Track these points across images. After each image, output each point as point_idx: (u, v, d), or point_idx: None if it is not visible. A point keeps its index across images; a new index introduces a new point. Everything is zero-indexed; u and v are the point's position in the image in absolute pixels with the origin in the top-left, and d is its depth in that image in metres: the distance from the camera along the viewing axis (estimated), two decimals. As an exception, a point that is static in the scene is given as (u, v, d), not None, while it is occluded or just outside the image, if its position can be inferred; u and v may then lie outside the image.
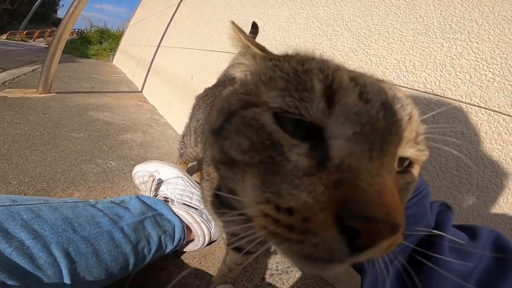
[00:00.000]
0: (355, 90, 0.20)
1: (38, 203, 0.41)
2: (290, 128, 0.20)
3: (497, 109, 0.53)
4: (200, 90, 0.99)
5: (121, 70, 4.47)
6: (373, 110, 0.19)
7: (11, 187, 0.80)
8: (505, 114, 0.52)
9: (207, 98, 0.86)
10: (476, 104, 0.55)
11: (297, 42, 0.97)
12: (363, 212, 0.15)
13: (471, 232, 0.30)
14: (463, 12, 0.63)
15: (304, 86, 0.20)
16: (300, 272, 0.72)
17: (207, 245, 0.71)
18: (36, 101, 1.68)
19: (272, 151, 0.20)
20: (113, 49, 7.28)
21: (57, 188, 0.83)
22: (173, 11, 2.69)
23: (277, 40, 1.07)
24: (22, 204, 0.39)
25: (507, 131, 0.52)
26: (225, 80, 1.00)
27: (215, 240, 0.74)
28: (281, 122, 0.20)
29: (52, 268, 0.38)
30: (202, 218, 0.65)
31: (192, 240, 0.66)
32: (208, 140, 0.28)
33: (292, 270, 0.72)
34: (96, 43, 8.79)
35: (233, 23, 0.32)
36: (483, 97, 0.55)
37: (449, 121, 0.57)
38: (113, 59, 6.26)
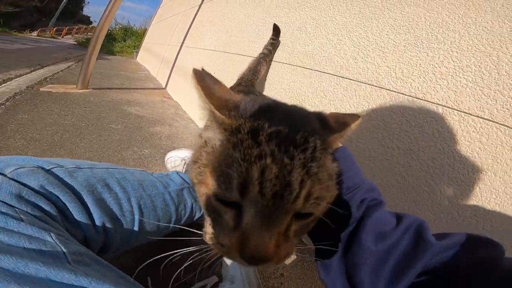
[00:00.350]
0: (256, 187, 0.27)
1: (122, 169, 0.57)
2: (224, 200, 0.30)
3: (467, 111, 0.64)
4: None
5: (145, 67, 4.74)
6: (266, 201, 0.28)
7: (69, 167, 1.00)
8: (473, 115, 0.63)
9: None
10: (450, 106, 0.66)
11: (307, 49, 1.10)
12: (245, 253, 0.28)
13: (399, 219, 0.38)
14: (449, 24, 0.72)
15: (229, 180, 0.28)
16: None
17: None
18: (77, 96, 1.91)
19: (217, 213, 0.31)
20: (136, 47, 7.60)
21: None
22: (195, 13, 2.86)
23: (288, 47, 1.20)
24: (114, 168, 0.55)
25: (474, 130, 0.62)
26: (240, 83, 1.14)
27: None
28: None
29: (130, 216, 0.51)
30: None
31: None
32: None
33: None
34: (121, 40, 9.14)
35: (193, 70, 0.34)
36: (456, 101, 0.66)
37: (428, 121, 0.68)
38: (136, 56, 6.58)
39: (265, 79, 1.33)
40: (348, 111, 0.85)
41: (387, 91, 0.77)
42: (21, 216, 0.34)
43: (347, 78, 0.89)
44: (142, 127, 1.54)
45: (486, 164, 0.59)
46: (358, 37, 0.92)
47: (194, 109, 2.04)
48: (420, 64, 0.74)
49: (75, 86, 2.14)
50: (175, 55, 2.91)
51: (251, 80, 1.14)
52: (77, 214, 0.42)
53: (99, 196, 0.47)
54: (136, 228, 0.52)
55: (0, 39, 7.44)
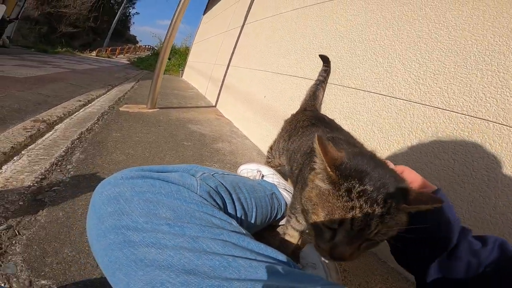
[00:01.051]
0: (348, 225, 0.42)
1: (239, 176, 0.77)
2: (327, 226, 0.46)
3: (518, 127, 0.72)
4: (272, 108, 1.30)
5: (193, 86, 5.18)
6: (352, 233, 0.42)
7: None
8: (525, 131, 0.71)
9: (292, 122, 1.10)
10: (500, 122, 0.74)
11: (358, 72, 1.23)
12: (333, 255, 0.45)
13: (482, 240, 0.46)
14: (494, 46, 0.80)
15: (333, 217, 0.43)
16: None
17: None
18: (150, 116, 2.25)
19: (319, 230, 0.47)
20: (181, 65, 8.14)
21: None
22: (237, 34, 3.13)
23: (340, 69, 1.35)
24: (236, 175, 0.75)
25: (527, 143, 0.71)
26: (305, 108, 1.19)
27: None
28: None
29: (251, 212, 0.68)
30: (294, 199, 0.98)
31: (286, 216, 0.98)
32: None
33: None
34: (167, 59, 9.84)
35: (317, 136, 0.46)
36: (505, 117, 0.74)
37: (480, 136, 0.77)
38: (182, 74, 7.15)
39: (321, 104, 1.47)
40: (403, 128, 0.97)
41: (441, 110, 0.88)
42: (213, 205, 0.52)
43: (400, 99, 1.01)
44: (207, 144, 1.79)
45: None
46: (408, 60, 1.03)
47: (246, 127, 2.26)
48: (471, 85, 0.83)
49: (145, 106, 2.51)
50: (223, 75, 3.20)
51: (314, 105, 1.22)
52: (230, 208, 0.60)
53: (238, 195, 0.65)
54: (253, 221, 0.70)
55: (68, 59, 8.72)
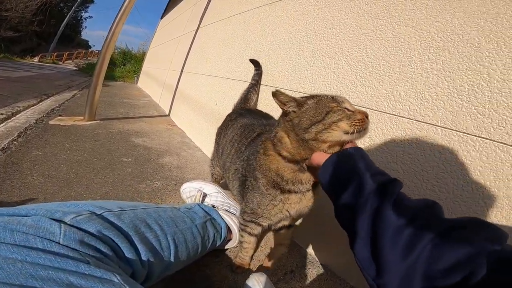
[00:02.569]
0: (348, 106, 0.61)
1: (156, 207, 0.65)
2: None
3: (465, 131, 0.67)
4: (224, 115, 1.18)
5: (147, 93, 4.86)
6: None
7: (88, 204, 1.04)
8: (472, 135, 0.66)
9: (222, 125, 1.09)
10: (449, 127, 0.70)
11: (306, 75, 1.15)
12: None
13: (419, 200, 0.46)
14: (438, 42, 0.75)
15: (341, 107, 0.60)
16: (316, 269, 0.89)
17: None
18: (86, 129, 1.98)
19: (344, 113, 0.58)
20: (136, 71, 7.71)
21: (121, 204, 1.07)
22: (192, 38, 2.96)
23: (288, 72, 1.26)
24: (150, 208, 0.62)
25: (474, 149, 0.65)
26: (236, 110, 1.20)
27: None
28: None
29: (168, 250, 0.58)
30: (238, 222, 0.85)
31: (230, 239, 0.86)
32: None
33: (309, 268, 0.89)
34: (120, 65, 9.22)
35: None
36: (454, 121, 0.69)
37: (428, 143, 0.72)
38: (137, 81, 6.73)
39: (256, 106, 1.40)
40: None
41: (388, 114, 0.81)
42: (87, 259, 0.39)
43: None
44: (151, 158, 1.59)
45: (488, 181, 0.62)
46: (355, 60, 0.96)
47: (198, 137, 2.09)
48: (416, 86, 0.78)
49: (82, 117, 2.21)
50: (177, 81, 3.00)
51: (243, 107, 1.24)
52: (128, 253, 0.49)
53: (143, 235, 0.54)
54: (172, 259, 0.60)
55: (3, 66, 7.67)
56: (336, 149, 0.58)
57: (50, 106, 2.62)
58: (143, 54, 8.62)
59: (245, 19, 1.88)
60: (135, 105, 3.42)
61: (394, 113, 0.80)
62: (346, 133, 0.54)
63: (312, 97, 0.61)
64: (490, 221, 0.61)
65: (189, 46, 2.97)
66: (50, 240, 0.39)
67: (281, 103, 0.61)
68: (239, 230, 0.80)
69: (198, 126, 2.11)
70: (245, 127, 0.87)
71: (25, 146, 1.50)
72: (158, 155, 1.67)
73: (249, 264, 0.84)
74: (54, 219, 0.42)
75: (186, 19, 3.87)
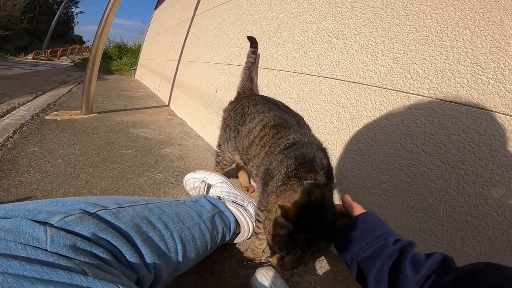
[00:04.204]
0: (292, 256, 0.58)
1: (159, 202, 0.58)
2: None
3: (493, 109, 0.62)
4: (226, 102, 1.12)
5: (145, 85, 4.76)
6: (294, 259, 0.58)
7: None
8: (500, 113, 0.61)
9: (236, 108, 1.01)
10: (474, 105, 0.64)
11: (311, 56, 1.08)
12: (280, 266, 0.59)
13: (427, 255, 0.48)
14: (457, 20, 0.70)
15: (285, 251, 0.58)
16: (331, 260, 0.85)
17: (248, 238, 0.85)
18: (83, 122, 1.92)
19: (273, 252, 0.61)
20: (133, 64, 7.61)
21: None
22: (188, 26, 2.86)
23: (292, 54, 1.19)
24: (152, 203, 0.55)
25: (503, 128, 0.60)
26: (244, 91, 1.15)
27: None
28: None
29: (174, 251, 0.52)
30: (246, 213, 0.80)
31: (239, 233, 0.81)
32: None
33: (323, 259, 0.85)
34: (116, 58, 9.11)
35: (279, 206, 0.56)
36: (479, 99, 0.63)
37: (452, 122, 0.66)
38: (134, 73, 6.61)
39: (257, 87, 1.33)
40: (365, 117, 0.84)
41: (405, 93, 0.75)
42: (83, 268, 0.33)
43: (359, 83, 0.88)
44: (152, 149, 1.53)
45: (522, 163, 0.57)
46: (364, 39, 0.90)
47: (199, 126, 2.04)
48: (436, 64, 0.72)
49: (79, 111, 2.15)
50: (174, 71, 2.92)
51: (251, 88, 1.19)
52: (130, 257, 0.42)
53: (145, 235, 0.48)
54: (180, 259, 0.54)
55: None
56: None
57: (46, 102, 2.55)
58: (139, 47, 8.49)
59: (242, 3, 1.79)
60: (134, 97, 3.35)
61: (411, 91, 0.74)
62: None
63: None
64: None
65: (186, 35, 2.87)
66: (35, 247, 0.33)
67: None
68: (256, 221, 0.76)
69: (199, 115, 2.05)
70: (278, 127, 0.79)
71: (21, 143, 1.44)
72: (159, 146, 1.61)
73: (261, 258, 0.80)
74: (37, 221, 0.36)
75: (180, 8, 3.75)
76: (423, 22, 0.77)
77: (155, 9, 7.11)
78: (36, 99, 2.75)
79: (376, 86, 0.82)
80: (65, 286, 0.30)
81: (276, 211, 0.59)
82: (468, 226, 0.61)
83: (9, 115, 2.08)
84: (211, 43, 2.14)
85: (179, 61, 2.89)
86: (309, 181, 0.61)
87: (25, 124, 1.79)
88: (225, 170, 1.18)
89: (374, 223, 0.56)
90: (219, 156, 1.11)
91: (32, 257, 0.31)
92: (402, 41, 0.80)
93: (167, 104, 2.99)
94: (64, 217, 0.38)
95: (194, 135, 1.95)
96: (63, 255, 0.33)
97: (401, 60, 0.79)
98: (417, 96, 0.73)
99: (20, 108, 2.32)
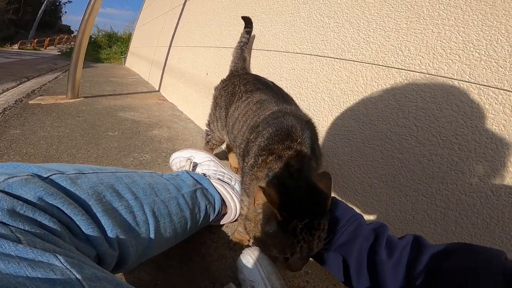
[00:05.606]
0: (298, 254, 0.48)
1: (131, 172, 0.52)
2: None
3: (485, 83, 0.61)
4: (216, 83, 1.09)
5: (135, 72, 4.65)
6: (301, 257, 0.49)
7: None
8: (493, 87, 0.60)
9: (227, 87, 0.98)
10: (467, 80, 0.63)
11: (303, 35, 1.06)
12: (291, 269, 0.49)
13: (401, 237, 0.48)
14: (449, 0, 0.68)
15: (284, 249, 0.48)
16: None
17: (235, 219, 0.81)
18: (68, 106, 1.85)
19: (275, 258, 0.52)
20: (123, 52, 7.45)
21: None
22: (179, 12, 2.79)
23: (284, 34, 1.16)
24: (122, 172, 0.50)
25: (496, 101, 0.59)
26: (237, 70, 1.12)
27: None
28: None
29: (145, 225, 0.46)
30: (233, 192, 0.77)
31: (225, 213, 0.78)
32: None
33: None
34: (106, 47, 8.94)
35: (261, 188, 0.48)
36: (472, 74, 0.62)
37: (445, 96, 0.65)
38: (125, 61, 6.46)
39: (249, 67, 1.30)
40: (356, 93, 0.82)
41: (396, 69, 0.74)
42: (18, 235, 0.28)
43: (350, 60, 0.86)
44: (140, 131, 1.49)
45: (514, 136, 0.56)
46: (356, 18, 0.88)
47: (190, 109, 2.00)
48: (427, 41, 0.70)
49: (64, 96, 2.08)
50: (165, 56, 2.85)
51: (244, 67, 1.15)
52: (86, 228, 0.37)
53: (108, 205, 0.42)
54: (152, 236, 0.48)
55: None
56: None
57: (31, 88, 2.45)
58: (129, 35, 8.29)
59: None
60: (123, 83, 3.25)
61: (403, 67, 0.73)
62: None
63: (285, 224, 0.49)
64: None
65: (177, 20, 2.79)
66: None
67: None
68: (241, 202, 0.70)
69: (190, 98, 2.01)
70: (262, 103, 0.75)
71: (2, 126, 1.38)
72: (147, 128, 1.57)
73: (249, 240, 0.77)
74: None
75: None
76: (414, 1, 0.75)
77: (146, -4, 6.90)
78: (20, 86, 2.64)
79: (368, 63, 0.81)
80: None
81: (255, 200, 0.50)
82: (462, 206, 0.60)
83: (-9, 99, 1.99)
84: (202, 27, 2.09)
85: (169, 46, 2.82)
86: (289, 152, 0.54)
87: (8, 108, 1.71)
88: (214, 151, 1.15)
89: (341, 208, 0.54)
90: (208, 135, 1.08)
91: None
92: (394, 20, 0.78)
93: (157, 89, 2.93)
94: (8, 178, 0.33)
95: (184, 118, 1.91)
96: None
97: (392, 38, 0.77)
98: (408, 71, 0.71)
99: (4, 94, 2.22)
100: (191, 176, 0.67)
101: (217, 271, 0.67)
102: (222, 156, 1.28)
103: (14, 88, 2.50)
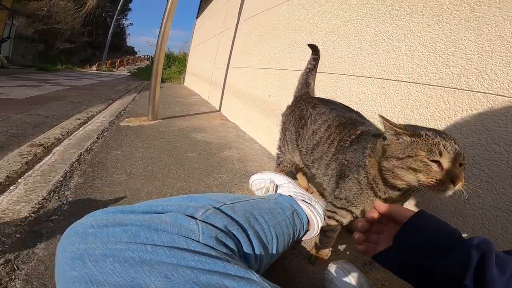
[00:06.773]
0: (447, 156, 0.53)
1: (254, 199, 0.64)
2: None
3: None
4: (279, 106, 1.18)
5: (195, 91, 5.09)
6: (452, 157, 0.53)
7: (168, 197, 1.14)
8: None
9: (294, 112, 1.07)
10: None
11: (371, 59, 1.09)
12: (453, 176, 0.52)
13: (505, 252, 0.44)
14: None
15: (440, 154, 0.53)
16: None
17: (317, 235, 0.87)
18: (151, 128, 2.16)
19: (428, 168, 0.54)
20: (181, 72, 8.07)
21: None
22: (233, 33, 2.99)
23: (349, 57, 1.21)
24: (251, 199, 0.62)
25: None
26: (301, 96, 1.19)
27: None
28: None
29: (271, 243, 0.56)
30: (315, 211, 0.85)
31: (308, 230, 0.86)
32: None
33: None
34: (166, 67, 9.78)
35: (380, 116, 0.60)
36: None
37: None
38: (183, 81, 7.08)
39: (313, 92, 1.36)
40: (438, 118, 0.83)
41: (482, 94, 0.74)
42: (226, 258, 0.37)
43: (428, 85, 0.87)
44: (213, 153, 1.67)
45: None
46: (430, 41, 0.89)
47: (252, 129, 2.14)
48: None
49: (146, 118, 2.42)
50: (224, 77, 3.08)
51: (307, 92, 1.21)
52: (246, 248, 0.48)
53: (253, 228, 0.52)
54: (274, 251, 0.58)
55: (68, 75, 8.71)
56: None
57: (117, 109, 2.92)
58: (185, 55, 9.00)
59: (288, 9, 1.85)
60: (187, 103, 3.62)
61: (490, 92, 0.72)
62: (420, 184, 0.54)
63: (416, 134, 0.56)
64: None
65: (232, 42, 3.01)
66: (192, 239, 0.37)
67: (384, 127, 0.62)
68: (324, 219, 0.79)
69: (252, 119, 2.16)
70: (343, 125, 0.84)
71: (105, 147, 1.69)
72: (218, 149, 1.75)
73: (328, 256, 0.84)
74: (188, 216, 0.41)
75: (223, 15, 3.94)
76: (495, 23, 0.74)
77: (196, 18, 7.50)
78: (108, 107, 3.15)
79: (449, 87, 0.81)
80: (223, 275, 0.34)
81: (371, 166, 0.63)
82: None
83: (90, 122, 2.43)
84: (260, 48, 2.23)
85: (227, 67, 3.04)
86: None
87: (105, 130, 2.08)
88: (285, 172, 1.24)
89: (436, 222, 0.49)
90: (279, 158, 1.18)
91: (192, 248, 0.36)
92: (475, 43, 0.77)
93: (218, 109, 3.18)
94: (205, 211, 0.44)
95: (248, 138, 2.06)
96: (210, 246, 0.38)
97: (475, 61, 0.77)
98: (497, 96, 0.71)
99: (98, 116, 2.69)
100: (285, 199, 0.78)
101: (300, 284, 0.75)
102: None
103: (105, 110, 2.98)
